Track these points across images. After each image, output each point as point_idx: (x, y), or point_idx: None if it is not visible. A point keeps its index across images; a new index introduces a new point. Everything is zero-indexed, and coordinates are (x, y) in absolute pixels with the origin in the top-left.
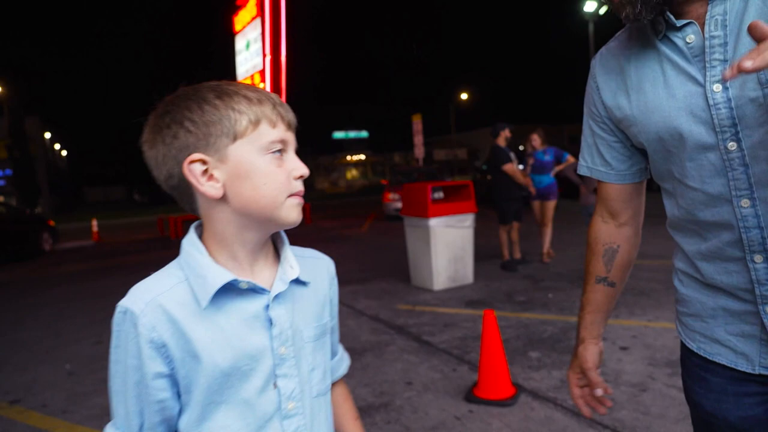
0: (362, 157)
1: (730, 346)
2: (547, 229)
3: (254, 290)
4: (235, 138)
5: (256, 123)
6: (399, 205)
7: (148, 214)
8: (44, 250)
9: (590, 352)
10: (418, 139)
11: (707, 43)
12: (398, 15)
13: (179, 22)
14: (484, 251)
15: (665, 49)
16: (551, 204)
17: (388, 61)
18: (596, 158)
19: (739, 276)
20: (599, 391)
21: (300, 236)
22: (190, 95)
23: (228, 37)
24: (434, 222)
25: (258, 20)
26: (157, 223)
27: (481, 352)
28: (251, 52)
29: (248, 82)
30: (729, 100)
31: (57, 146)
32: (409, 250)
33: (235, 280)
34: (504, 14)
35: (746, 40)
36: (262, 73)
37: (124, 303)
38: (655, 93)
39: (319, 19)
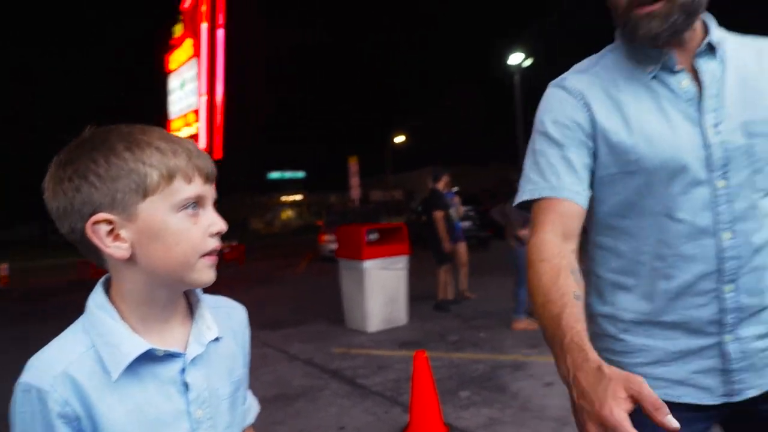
0: (298, 197)
1: (693, 384)
2: (464, 269)
3: (169, 355)
4: (145, 195)
5: (169, 178)
6: (334, 246)
7: (65, 256)
8: None
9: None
10: (354, 181)
11: (705, 92)
12: (342, 60)
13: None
14: (418, 292)
15: (659, 88)
16: (464, 245)
17: (329, 103)
18: (564, 176)
19: (708, 309)
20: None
21: (233, 278)
22: (96, 144)
23: (160, 76)
24: (369, 264)
25: (194, 60)
26: (76, 265)
27: (411, 394)
28: (186, 91)
29: (181, 122)
30: (722, 143)
31: None
32: (343, 292)
33: (152, 349)
34: (437, 61)
35: (729, 97)
36: (196, 112)
37: (28, 380)
38: (660, 126)
39: (272, 60)
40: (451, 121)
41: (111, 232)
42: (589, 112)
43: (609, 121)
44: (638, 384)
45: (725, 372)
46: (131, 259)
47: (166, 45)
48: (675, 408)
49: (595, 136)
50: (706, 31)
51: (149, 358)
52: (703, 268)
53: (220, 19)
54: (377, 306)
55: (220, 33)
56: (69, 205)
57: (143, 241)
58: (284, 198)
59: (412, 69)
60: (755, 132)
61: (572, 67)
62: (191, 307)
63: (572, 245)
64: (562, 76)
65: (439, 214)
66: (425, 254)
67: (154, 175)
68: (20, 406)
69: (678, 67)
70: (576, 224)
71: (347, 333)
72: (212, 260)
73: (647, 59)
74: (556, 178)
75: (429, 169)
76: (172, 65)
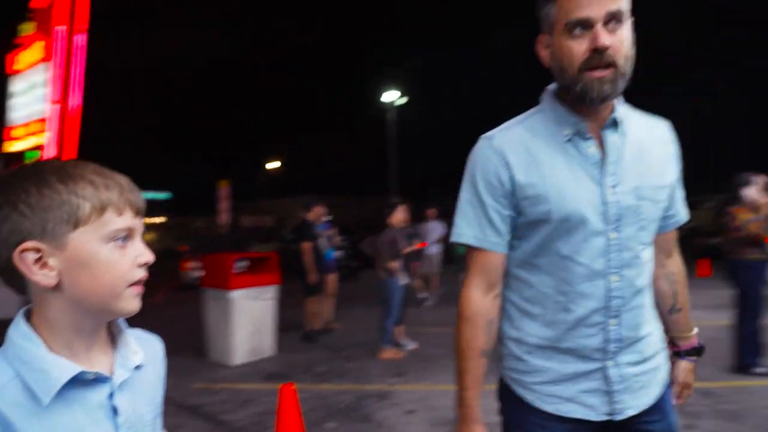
0: (161, 219)
1: (580, 402)
2: (330, 300)
3: (97, 380)
4: (76, 225)
5: (101, 210)
6: (199, 273)
7: None
8: None
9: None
10: (224, 205)
11: (607, 158)
12: (221, 81)
13: None
14: (287, 322)
15: (572, 150)
16: (335, 276)
17: (203, 123)
18: (487, 229)
19: (596, 338)
20: None
21: None
22: (29, 176)
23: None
24: (236, 294)
25: (46, 64)
26: None
27: (276, 428)
28: (33, 96)
29: (23, 130)
30: (617, 202)
31: None
32: (208, 323)
33: (82, 372)
34: (316, 94)
35: (625, 165)
36: (44, 121)
37: None
38: (568, 183)
39: (142, 73)
40: (327, 152)
41: (39, 260)
42: (509, 171)
43: (527, 177)
44: None
45: (608, 393)
46: (57, 287)
47: (10, 43)
48: (565, 421)
49: (514, 191)
50: (613, 106)
51: (77, 383)
52: (595, 304)
53: (81, 23)
54: (243, 337)
55: (81, 38)
56: None
57: (72, 270)
58: (145, 220)
59: (292, 97)
60: (643, 196)
61: (502, 124)
62: (112, 336)
63: (495, 291)
64: (492, 132)
65: (307, 245)
66: (296, 284)
67: (86, 207)
68: None
69: (588, 135)
70: (498, 272)
71: (210, 366)
72: (138, 290)
73: (565, 125)
74: (480, 229)
75: (303, 198)
76: (17, 66)
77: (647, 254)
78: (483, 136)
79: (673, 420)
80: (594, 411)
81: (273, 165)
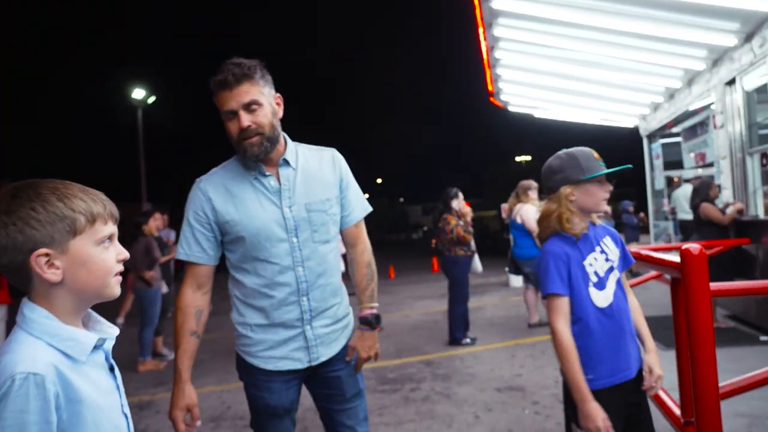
0: None
1: (290, 357)
2: None
3: (97, 346)
4: (75, 234)
5: (92, 221)
6: None
7: None
8: None
9: (193, 391)
10: None
11: (282, 188)
12: None
13: None
14: None
15: (258, 185)
16: None
17: None
18: (194, 246)
19: (294, 312)
20: (199, 423)
21: None
22: (32, 197)
23: None
24: None
25: None
26: None
27: None
28: None
29: None
30: (293, 217)
31: None
32: None
33: (100, 339)
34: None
35: (297, 189)
36: None
37: (23, 369)
38: (255, 208)
39: None
40: (73, 149)
41: (48, 262)
42: (210, 204)
43: (224, 207)
44: (192, 404)
45: (307, 348)
46: (61, 282)
47: None
48: (282, 374)
49: (216, 219)
50: (286, 145)
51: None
52: (290, 289)
53: None
54: None
55: None
56: (12, 244)
57: (72, 268)
58: None
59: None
60: (312, 209)
61: (210, 170)
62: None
63: (204, 290)
64: (202, 177)
65: None
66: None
67: (81, 220)
68: (16, 389)
69: (268, 173)
70: (204, 277)
71: None
72: (119, 279)
73: (251, 167)
74: (188, 247)
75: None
76: None
77: (325, 248)
78: (197, 179)
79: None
80: (300, 362)
81: None
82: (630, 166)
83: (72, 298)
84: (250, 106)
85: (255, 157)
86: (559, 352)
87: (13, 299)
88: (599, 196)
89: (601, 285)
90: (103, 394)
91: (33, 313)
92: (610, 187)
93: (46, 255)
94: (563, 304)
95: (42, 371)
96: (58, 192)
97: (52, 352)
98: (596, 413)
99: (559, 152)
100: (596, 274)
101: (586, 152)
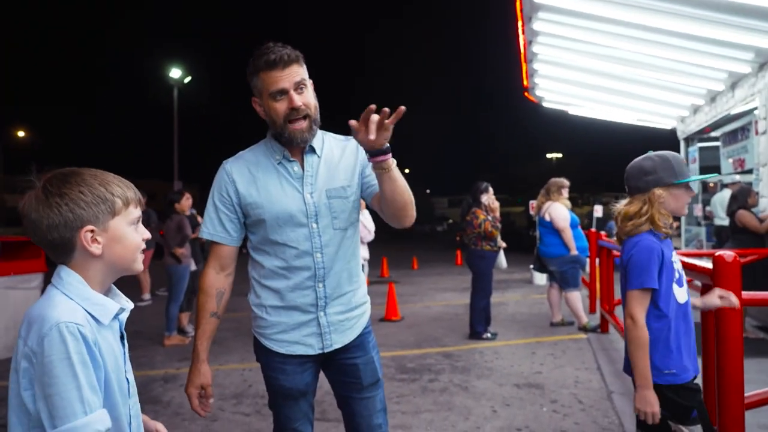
0: None
1: (303, 343)
2: None
3: (115, 316)
4: (114, 215)
5: (127, 204)
6: None
7: None
8: None
9: (209, 371)
10: None
11: (306, 174)
12: None
13: None
14: None
15: (281, 170)
16: None
17: None
18: (218, 226)
19: (310, 297)
20: (212, 400)
21: None
22: (78, 182)
23: None
24: None
25: None
26: None
27: None
28: None
29: None
30: (314, 203)
31: None
32: None
33: (120, 308)
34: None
35: (319, 176)
36: None
37: (66, 319)
38: (277, 193)
39: None
40: (104, 127)
41: (92, 237)
42: (234, 186)
43: (247, 189)
44: (207, 384)
45: (320, 335)
46: (100, 256)
47: None
48: (295, 358)
49: (239, 201)
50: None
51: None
52: (307, 274)
53: None
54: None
55: None
56: (62, 221)
57: (110, 244)
58: None
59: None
60: (332, 195)
61: (237, 153)
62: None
63: (227, 272)
64: (228, 159)
65: None
66: None
67: (119, 202)
68: (62, 335)
69: (293, 159)
70: (228, 258)
71: None
72: (143, 255)
73: (277, 153)
74: (212, 227)
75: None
76: None
77: (344, 235)
78: (223, 161)
79: (374, 355)
80: (312, 348)
81: (19, 133)
82: (717, 175)
83: (105, 270)
84: (299, 86)
85: (303, 143)
86: (636, 341)
87: (48, 268)
88: (684, 201)
89: (680, 282)
90: (114, 357)
91: (70, 276)
92: (694, 193)
93: (91, 231)
94: (648, 298)
95: (81, 321)
96: (98, 178)
97: (83, 312)
98: (654, 400)
99: (649, 154)
100: (678, 271)
101: (678, 157)
